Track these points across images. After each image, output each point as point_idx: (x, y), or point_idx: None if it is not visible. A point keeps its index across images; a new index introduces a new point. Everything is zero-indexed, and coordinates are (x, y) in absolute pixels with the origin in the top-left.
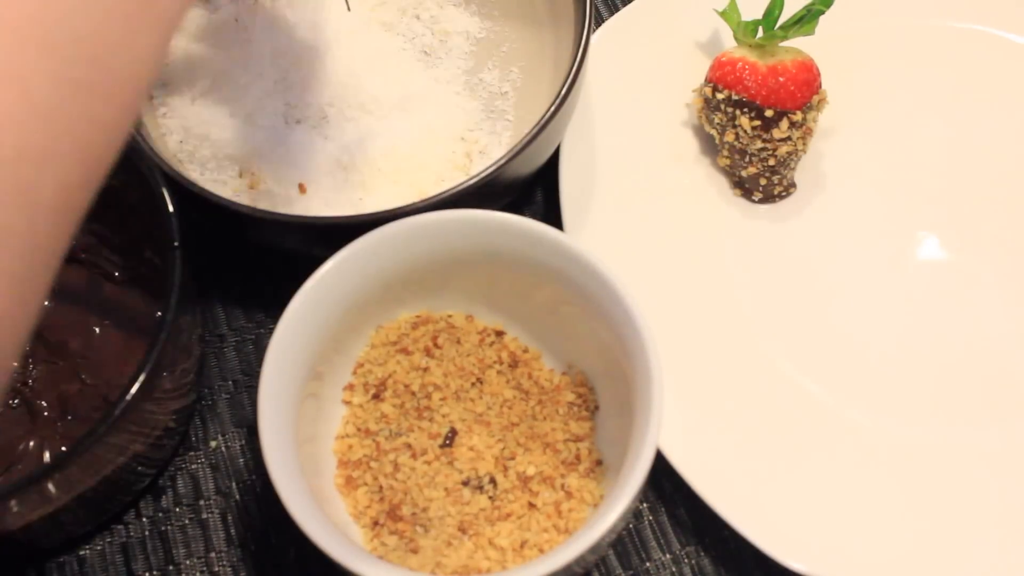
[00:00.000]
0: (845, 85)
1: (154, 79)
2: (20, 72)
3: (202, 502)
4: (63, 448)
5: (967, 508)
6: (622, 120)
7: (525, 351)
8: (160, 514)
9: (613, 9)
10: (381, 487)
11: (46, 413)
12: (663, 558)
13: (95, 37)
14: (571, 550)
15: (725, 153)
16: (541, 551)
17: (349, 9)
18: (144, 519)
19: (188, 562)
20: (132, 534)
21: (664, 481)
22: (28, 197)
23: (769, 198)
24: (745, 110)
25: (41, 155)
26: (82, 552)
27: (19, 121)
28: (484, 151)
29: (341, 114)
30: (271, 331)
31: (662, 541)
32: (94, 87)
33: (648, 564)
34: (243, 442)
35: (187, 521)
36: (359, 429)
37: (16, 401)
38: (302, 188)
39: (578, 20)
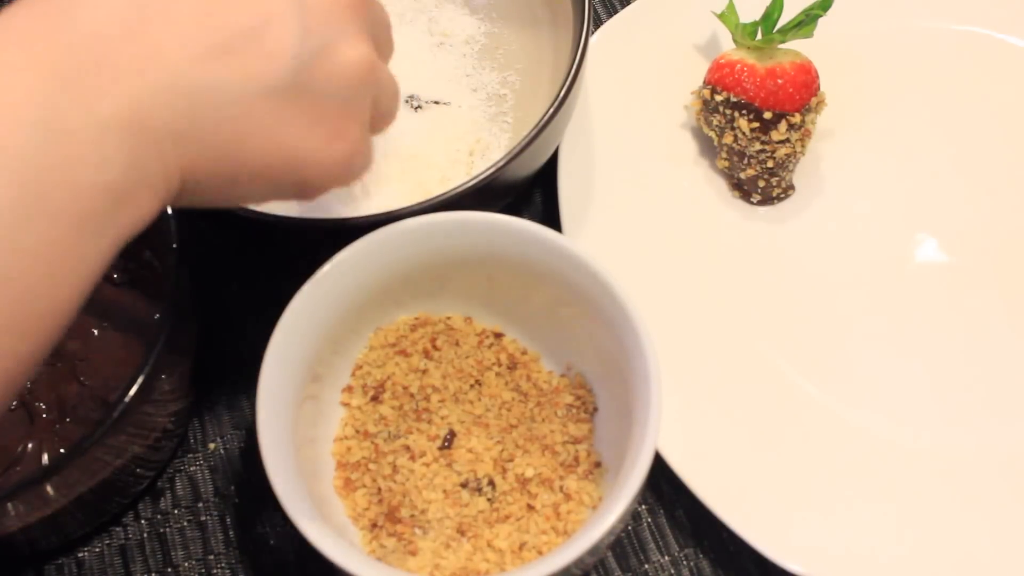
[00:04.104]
0: (843, 87)
1: (75, 315)
2: None
3: (201, 504)
4: (62, 450)
5: (966, 509)
6: (620, 122)
7: (524, 353)
8: (159, 516)
9: (612, 11)
10: (380, 489)
11: (44, 415)
12: (662, 560)
13: (18, 282)
14: (570, 552)
15: (724, 155)
16: (540, 553)
17: None
18: (143, 521)
19: (187, 564)
20: (131, 536)
21: (663, 483)
22: None
23: (768, 200)
24: (744, 112)
25: None
26: (80, 554)
27: None
28: (483, 153)
29: None
30: (270, 333)
31: (660, 543)
32: (13, 326)
33: (647, 566)
34: (242, 444)
35: (186, 523)
36: (358, 431)
37: (14, 403)
38: None
39: (577, 22)
